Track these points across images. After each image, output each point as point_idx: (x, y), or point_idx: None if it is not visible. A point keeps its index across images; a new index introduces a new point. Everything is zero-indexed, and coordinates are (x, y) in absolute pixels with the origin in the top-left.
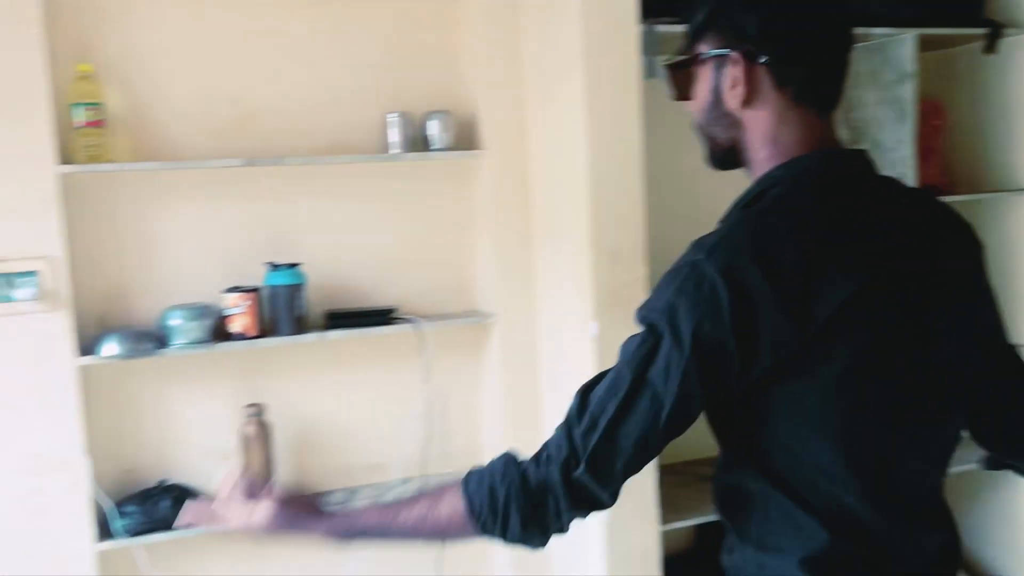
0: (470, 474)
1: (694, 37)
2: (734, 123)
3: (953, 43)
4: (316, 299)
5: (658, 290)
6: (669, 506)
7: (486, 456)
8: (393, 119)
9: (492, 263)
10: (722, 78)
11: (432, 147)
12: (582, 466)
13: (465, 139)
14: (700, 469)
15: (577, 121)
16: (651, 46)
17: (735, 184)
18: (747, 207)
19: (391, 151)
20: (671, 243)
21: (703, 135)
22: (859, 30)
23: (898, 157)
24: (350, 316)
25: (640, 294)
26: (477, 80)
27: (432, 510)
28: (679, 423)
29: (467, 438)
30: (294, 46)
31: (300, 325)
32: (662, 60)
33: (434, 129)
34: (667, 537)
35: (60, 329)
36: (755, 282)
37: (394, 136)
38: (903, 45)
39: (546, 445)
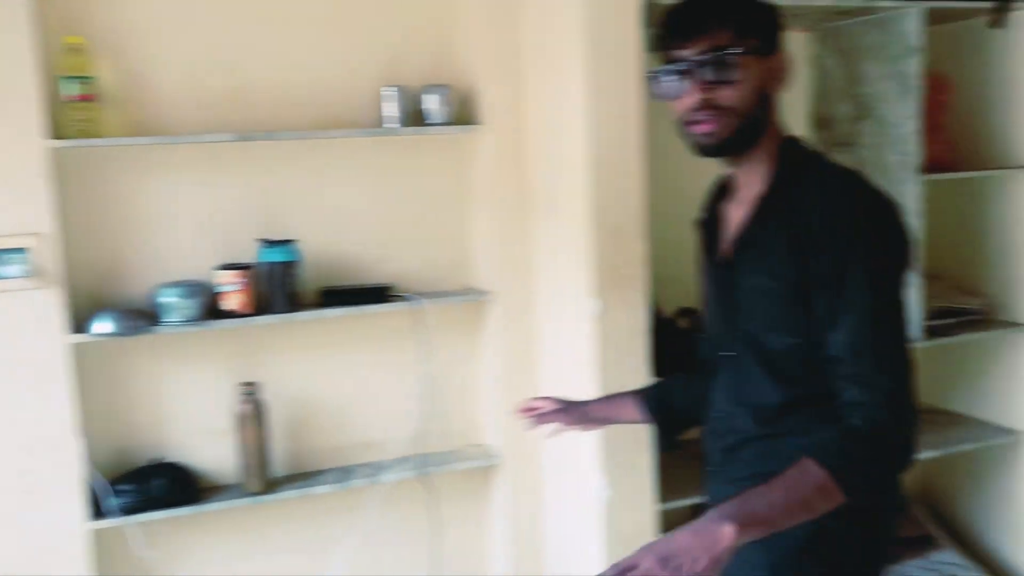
0: (815, 448)
1: (749, 32)
2: (770, 107)
3: (960, 17)
4: (311, 276)
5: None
6: (667, 486)
7: (484, 435)
8: (389, 93)
9: (490, 240)
10: (771, 67)
11: (429, 121)
12: (894, 390)
13: (463, 114)
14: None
15: (577, 96)
16: (653, 19)
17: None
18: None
19: (387, 125)
20: (670, 220)
21: (743, 119)
22: (865, 3)
23: (903, 133)
24: (346, 294)
25: (640, 271)
26: (475, 53)
27: (801, 490)
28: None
29: (465, 417)
30: (288, 17)
31: (295, 303)
32: (705, 53)
33: (431, 103)
34: (665, 517)
35: (51, 306)
36: None
37: (390, 110)
38: (909, 19)
39: (863, 399)
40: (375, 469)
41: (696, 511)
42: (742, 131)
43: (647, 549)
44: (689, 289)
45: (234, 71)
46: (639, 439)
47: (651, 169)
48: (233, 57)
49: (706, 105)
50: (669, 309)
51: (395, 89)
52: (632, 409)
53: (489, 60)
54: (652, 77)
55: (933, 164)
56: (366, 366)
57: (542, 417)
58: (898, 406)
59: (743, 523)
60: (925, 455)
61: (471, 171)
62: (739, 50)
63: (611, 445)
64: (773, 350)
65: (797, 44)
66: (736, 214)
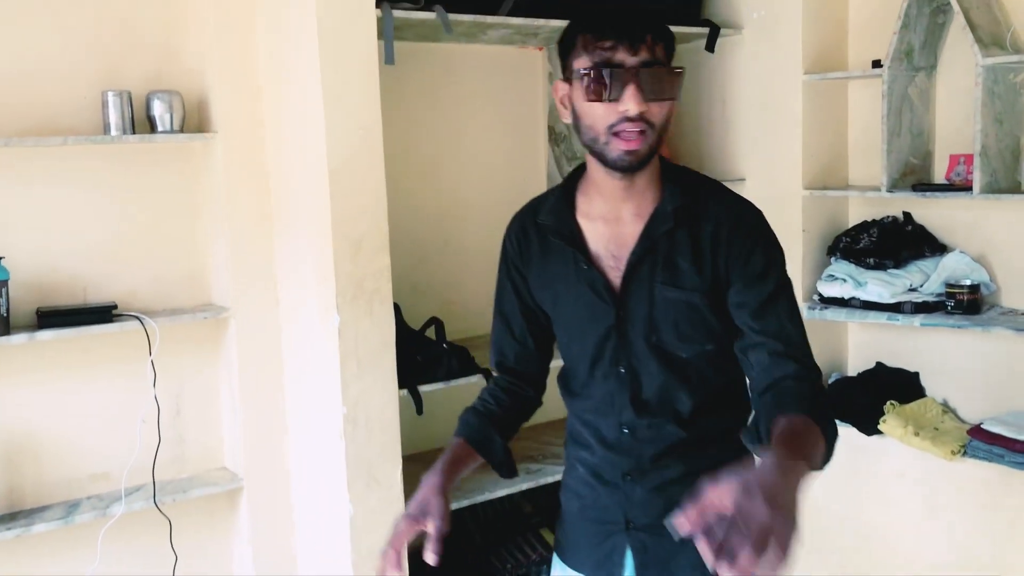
0: (810, 411)
1: (671, 53)
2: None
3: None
4: (24, 297)
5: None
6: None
7: (226, 458)
8: (111, 98)
9: (227, 254)
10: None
11: (157, 129)
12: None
13: (194, 121)
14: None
15: (314, 107)
16: (390, 31)
17: (472, 176)
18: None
19: (111, 133)
20: (412, 232)
21: (659, 138)
22: None
23: None
24: (65, 314)
25: (384, 284)
26: (207, 58)
27: (815, 445)
28: None
29: (205, 439)
30: None
31: (4, 326)
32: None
33: (159, 110)
34: None
35: None
36: None
37: (113, 116)
38: None
39: (806, 375)
40: (106, 501)
41: (457, 518)
42: (656, 149)
43: (749, 497)
44: (438, 300)
45: None
46: (388, 453)
47: (393, 181)
48: None
49: (640, 119)
50: (416, 321)
51: (118, 94)
52: (470, 457)
53: (222, 66)
54: (587, 74)
55: None
56: (93, 391)
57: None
58: (820, 375)
59: (808, 464)
60: None
61: (205, 181)
62: (679, 67)
63: (357, 461)
64: (683, 358)
65: (534, 61)
66: (622, 229)
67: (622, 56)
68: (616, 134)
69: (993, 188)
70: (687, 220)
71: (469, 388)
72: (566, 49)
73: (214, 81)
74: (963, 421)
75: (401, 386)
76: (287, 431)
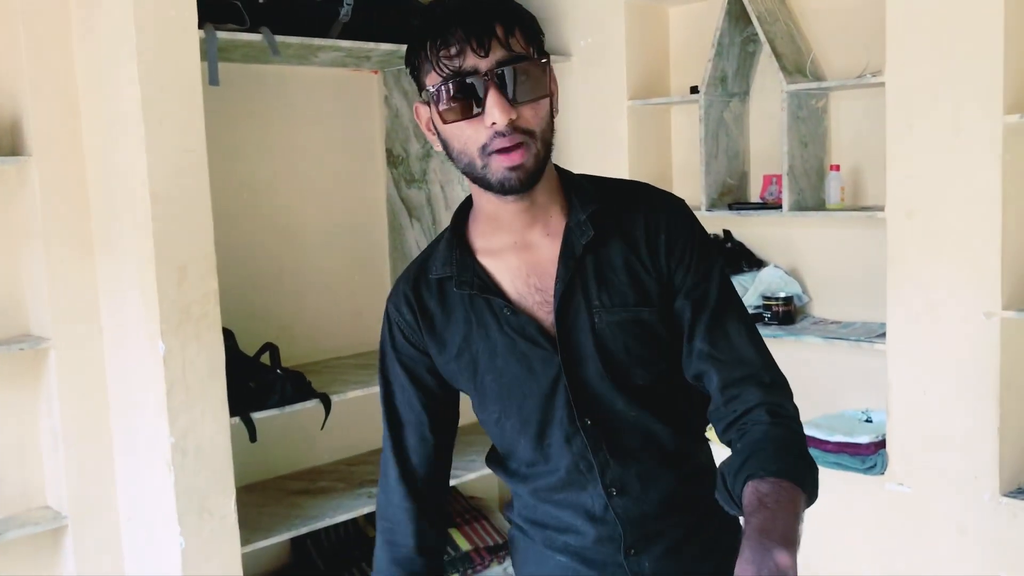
0: (783, 469)
1: (534, 39)
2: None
3: None
4: None
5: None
6: (251, 526)
7: (48, 496)
8: None
9: (45, 282)
10: (553, 79)
11: None
12: (783, 379)
13: (7, 143)
14: (286, 484)
15: (135, 129)
16: (213, 52)
17: (308, 200)
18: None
19: None
20: (247, 256)
21: (545, 145)
22: None
23: None
24: None
25: (212, 309)
26: (18, 77)
27: (797, 508)
28: None
29: (23, 478)
30: None
31: None
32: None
33: None
34: (250, 559)
35: None
36: None
37: None
38: None
39: (773, 399)
40: None
41: (293, 546)
42: (545, 159)
43: None
44: (274, 326)
45: None
46: (220, 482)
47: (223, 205)
48: None
49: (515, 130)
50: (252, 347)
51: None
52: None
53: (35, 85)
54: (436, 96)
55: None
56: None
57: None
58: (790, 392)
59: (791, 546)
60: None
61: (20, 206)
62: (543, 59)
63: (188, 491)
64: (644, 385)
65: (369, 84)
66: (538, 256)
67: (473, 61)
68: (492, 153)
69: (800, 206)
70: (612, 227)
71: (306, 414)
72: (415, 68)
73: (27, 101)
74: None
75: (233, 413)
76: (114, 464)
